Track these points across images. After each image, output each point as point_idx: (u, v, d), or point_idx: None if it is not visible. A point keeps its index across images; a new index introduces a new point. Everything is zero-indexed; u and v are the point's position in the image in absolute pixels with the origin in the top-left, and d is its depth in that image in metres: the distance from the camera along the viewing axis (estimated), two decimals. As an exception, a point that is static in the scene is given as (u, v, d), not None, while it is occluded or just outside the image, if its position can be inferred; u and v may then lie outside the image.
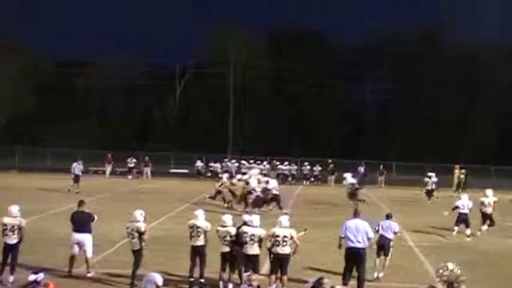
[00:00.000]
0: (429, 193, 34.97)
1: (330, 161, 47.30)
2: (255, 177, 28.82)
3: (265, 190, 26.89)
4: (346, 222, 14.01)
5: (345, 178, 31.14)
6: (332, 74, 65.98)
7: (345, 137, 66.11)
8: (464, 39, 67.86)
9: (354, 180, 30.44)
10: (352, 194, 29.52)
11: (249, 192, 26.80)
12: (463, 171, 44.82)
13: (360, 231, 13.65)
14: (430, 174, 35.71)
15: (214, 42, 69.62)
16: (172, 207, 26.92)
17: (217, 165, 47.10)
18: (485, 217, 22.22)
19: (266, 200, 26.40)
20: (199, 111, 69.67)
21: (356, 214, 14.36)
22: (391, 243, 15.24)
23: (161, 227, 20.88)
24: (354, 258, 13.61)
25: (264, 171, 44.42)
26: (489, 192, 22.56)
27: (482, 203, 22.21)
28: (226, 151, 61.27)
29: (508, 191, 37.33)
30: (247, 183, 27.49)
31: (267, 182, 27.53)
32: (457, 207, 22.29)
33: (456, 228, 22.10)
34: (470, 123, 66.50)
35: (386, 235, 15.15)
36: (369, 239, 13.77)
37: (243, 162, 46.46)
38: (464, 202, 22.22)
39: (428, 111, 66.04)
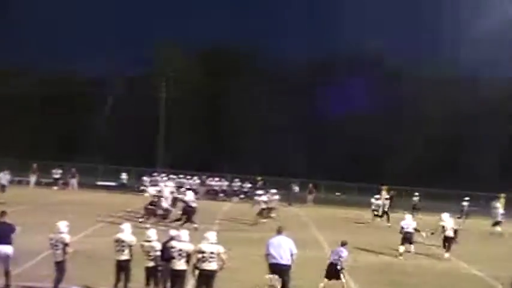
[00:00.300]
0: (385, 213, 35.19)
1: (259, 178, 47.56)
2: (169, 188, 28.81)
3: (174, 201, 26.93)
4: (270, 240, 14.18)
5: (259, 195, 31.32)
6: (266, 91, 66.64)
7: (276, 155, 66.49)
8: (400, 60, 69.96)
9: (265, 198, 30.53)
10: (262, 212, 29.66)
11: (151, 204, 26.79)
12: (391, 192, 45.93)
13: (282, 248, 13.86)
14: (387, 196, 36.02)
15: (148, 55, 69.04)
16: (98, 220, 26.39)
17: (147, 178, 46.65)
18: (447, 240, 23.04)
19: (186, 212, 26.06)
20: (129, 123, 68.80)
21: (280, 231, 14.42)
22: (338, 267, 15.60)
23: (86, 240, 20.41)
24: (277, 274, 13.72)
25: (194, 187, 44.49)
26: (445, 216, 23.51)
27: (444, 228, 23.08)
28: (156, 165, 60.57)
29: (430, 212, 38.27)
30: (159, 193, 27.31)
31: (184, 194, 27.37)
32: (402, 227, 22.94)
33: (401, 247, 22.61)
34: (395, 144, 68.19)
35: (334, 260, 15.65)
36: (292, 255, 13.91)
37: (172, 176, 46.07)
38: (409, 222, 22.99)
39: (355, 131, 67.31)
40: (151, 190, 29.58)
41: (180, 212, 26.54)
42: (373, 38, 68.57)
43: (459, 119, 67.49)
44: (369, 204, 36.15)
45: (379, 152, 67.08)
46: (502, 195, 42.49)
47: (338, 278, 15.50)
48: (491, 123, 66.97)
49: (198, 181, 47.77)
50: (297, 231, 19.81)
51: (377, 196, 36.36)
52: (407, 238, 22.60)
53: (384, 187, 46.21)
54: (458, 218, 35.56)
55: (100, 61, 68.91)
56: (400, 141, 68.49)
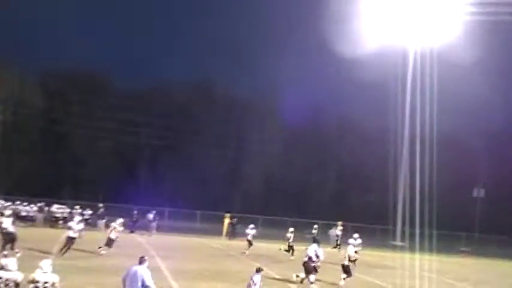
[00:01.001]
0: (291, 248, 34.88)
1: (100, 205, 46.30)
2: None
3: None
4: (130, 268, 14.43)
5: (74, 222, 29.93)
6: (108, 118, 65.55)
7: (117, 182, 65.33)
8: (236, 94, 71.81)
9: (79, 227, 29.11)
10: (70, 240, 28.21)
11: None
12: (234, 220, 46.71)
13: (136, 278, 14.07)
14: (291, 229, 36.02)
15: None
16: None
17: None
18: (344, 268, 24.56)
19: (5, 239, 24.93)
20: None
21: (141, 261, 14.60)
22: None
23: None
24: None
25: (32, 213, 42.55)
26: (350, 248, 26.09)
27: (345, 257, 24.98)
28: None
29: (275, 240, 39.24)
30: None
31: (0, 222, 26.17)
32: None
33: (302, 274, 23.41)
34: (239, 174, 69.71)
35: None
36: (145, 286, 14.03)
37: (7, 203, 43.64)
38: (308, 252, 23.79)
39: (200, 160, 67.93)
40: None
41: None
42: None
43: (299, 151, 70.48)
44: (211, 232, 36.21)
45: (225, 180, 68.18)
46: (339, 222, 44.49)
47: None
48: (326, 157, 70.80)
49: (36, 208, 45.73)
50: (136, 260, 19.38)
51: (252, 226, 36.26)
52: (304, 267, 23.38)
53: (227, 214, 47.06)
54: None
55: None
56: (244, 171, 70.13)
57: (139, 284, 13.89)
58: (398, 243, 53.32)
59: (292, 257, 33.20)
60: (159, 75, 72.40)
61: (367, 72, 62.70)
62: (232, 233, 46.25)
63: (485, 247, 56.70)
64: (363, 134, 68.34)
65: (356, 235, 34.22)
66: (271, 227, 50.09)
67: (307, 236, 42.14)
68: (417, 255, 36.06)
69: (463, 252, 51.81)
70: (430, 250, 37.81)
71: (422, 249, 38.53)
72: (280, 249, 34.44)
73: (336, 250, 38.97)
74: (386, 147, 61.25)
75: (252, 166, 70.23)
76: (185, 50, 76.04)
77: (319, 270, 23.96)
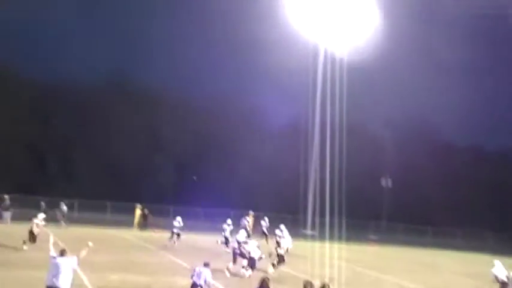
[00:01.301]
0: (227, 240, 34.43)
1: (6, 196, 44.60)
2: None
3: None
4: (52, 260, 14.77)
5: None
6: (16, 108, 63.43)
7: (25, 173, 63.23)
8: (148, 85, 71.13)
9: None
10: None
11: None
12: (146, 210, 46.25)
13: (58, 268, 14.45)
14: (229, 221, 35.59)
15: None
16: None
17: None
18: (279, 257, 26.31)
19: None
20: None
21: (62, 253, 14.90)
22: None
23: None
24: None
25: None
26: (287, 241, 28.16)
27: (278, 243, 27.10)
28: None
29: (189, 231, 39.25)
30: None
31: None
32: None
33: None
34: (152, 165, 69.16)
35: (197, 281, 16.29)
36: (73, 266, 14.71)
37: None
38: (238, 237, 26.10)
39: (113, 151, 66.75)
40: None
41: None
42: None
43: (211, 142, 70.66)
44: (122, 223, 35.71)
45: (135, 172, 67.40)
46: (251, 213, 44.88)
47: None
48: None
49: None
50: (45, 253, 18.88)
51: (179, 218, 35.74)
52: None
53: (138, 205, 46.55)
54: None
55: None
56: (156, 161, 69.68)
57: (64, 272, 14.32)
58: (309, 232, 54.26)
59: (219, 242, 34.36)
60: (69, 66, 70.27)
61: (279, 63, 63.39)
62: (144, 224, 45.83)
63: (392, 235, 58.61)
64: (273, 124, 69.17)
65: (282, 226, 34.48)
66: (184, 218, 49.90)
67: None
68: (327, 244, 36.86)
69: (371, 240, 53.41)
70: (340, 239, 38.71)
71: (332, 238, 39.38)
72: (217, 241, 34.69)
73: (265, 242, 38.92)
74: (296, 138, 62.12)
75: (164, 156, 69.87)
76: (98, 40, 74.13)
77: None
